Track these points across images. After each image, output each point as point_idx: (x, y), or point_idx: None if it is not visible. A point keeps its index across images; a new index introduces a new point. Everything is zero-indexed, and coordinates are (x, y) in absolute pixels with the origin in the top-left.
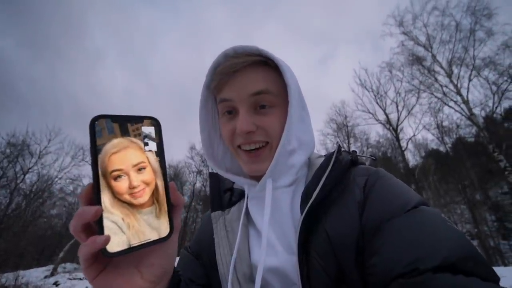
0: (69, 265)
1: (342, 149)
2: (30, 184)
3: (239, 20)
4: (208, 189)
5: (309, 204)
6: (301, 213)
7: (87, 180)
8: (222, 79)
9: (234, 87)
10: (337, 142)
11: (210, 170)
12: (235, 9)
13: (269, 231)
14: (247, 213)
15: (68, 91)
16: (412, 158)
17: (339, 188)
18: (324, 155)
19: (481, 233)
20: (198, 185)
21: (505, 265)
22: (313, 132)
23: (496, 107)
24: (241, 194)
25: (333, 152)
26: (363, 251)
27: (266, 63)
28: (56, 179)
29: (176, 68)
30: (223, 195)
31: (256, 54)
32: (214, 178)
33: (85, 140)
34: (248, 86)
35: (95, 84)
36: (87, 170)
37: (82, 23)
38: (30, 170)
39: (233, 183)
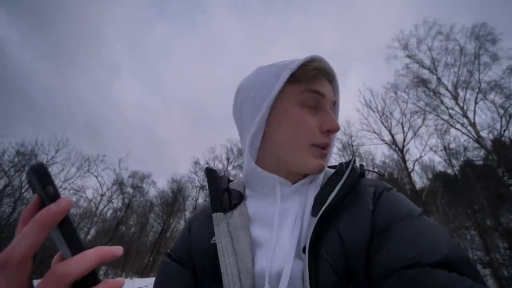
0: None
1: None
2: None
3: (252, 36)
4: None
5: (324, 207)
6: (314, 215)
7: (90, 192)
8: (320, 73)
9: (327, 87)
10: (353, 153)
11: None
12: (249, 25)
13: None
14: (250, 217)
15: (81, 102)
16: (419, 180)
17: (352, 194)
18: (333, 166)
19: (493, 261)
20: (200, 200)
21: None
22: None
23: (504, 130)
24: (240, 196)
25: (350, 160)
26: (371, 247)
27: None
28: (60, 189)
29: (189, 82)
30: (222, 195)
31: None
32: (212, 176)
33: (93, 151)
34: (332, 93)
35: (109, 95)
36: (91, 181)
37: (99, 35)
38: None
39: (229, 183)
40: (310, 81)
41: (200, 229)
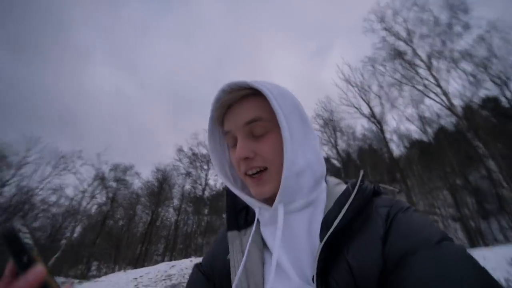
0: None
1: (366, 179)
2: (9, 197)
3: (232, 13)
4: (197, 191)
5: (329, 232)
6: (321, 240)
7: (71, 190)
8: (221, 113)
9: (231, 120)
10: (362, 170)
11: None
12: (228, 2)
13: (282, 256)
14: (262, 238)
15: (51, 95)
16: (397, 149)
17: (362, 217)
18: (344, 181)
19: (462, 216)
20: (187, 187)
21: (486, 245)
22: (320, 151)
23: (474, 97)
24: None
25: (357, 180)
26: (385, 283)
27: (258, 93)
28: (37, 190)
29: (168, 65)
30: (239, 212)
31: (246, 87)
32: (230, 194)
33: (69, 148)
34: (242, 116)
35: (82, 84)
36: (69, 179)
37: (66, 19)
38: (7, 183)
39: None
40: (222, 124)
41: (220, 246)
